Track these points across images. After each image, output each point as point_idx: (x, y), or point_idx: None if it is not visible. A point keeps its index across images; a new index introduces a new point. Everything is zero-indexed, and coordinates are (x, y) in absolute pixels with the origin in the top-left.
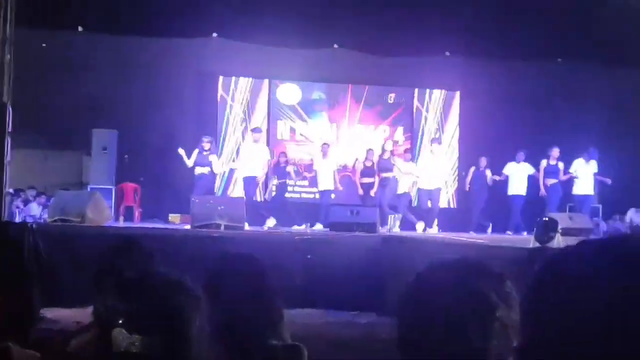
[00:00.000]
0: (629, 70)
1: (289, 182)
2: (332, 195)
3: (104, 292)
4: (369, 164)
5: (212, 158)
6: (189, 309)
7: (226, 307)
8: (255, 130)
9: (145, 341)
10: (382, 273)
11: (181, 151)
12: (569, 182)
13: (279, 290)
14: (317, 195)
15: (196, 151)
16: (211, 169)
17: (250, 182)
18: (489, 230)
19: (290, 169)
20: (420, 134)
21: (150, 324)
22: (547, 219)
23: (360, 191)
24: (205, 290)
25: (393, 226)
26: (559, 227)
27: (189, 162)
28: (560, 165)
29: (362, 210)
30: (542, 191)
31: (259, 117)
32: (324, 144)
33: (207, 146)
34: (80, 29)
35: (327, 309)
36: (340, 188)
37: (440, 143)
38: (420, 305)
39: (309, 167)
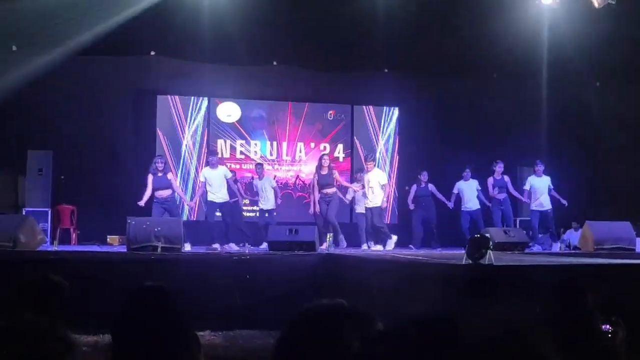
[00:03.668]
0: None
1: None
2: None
3: None
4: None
5: (171, 176)
6: (58, 353)
7: (136, 344)
8: (211, 154)
9: None
10: (321, 291)
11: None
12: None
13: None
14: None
15: (151, 177)
16: (173, 189)
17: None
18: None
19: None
20: (359, 150)
21: None
22: (478, 235)
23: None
24: (114, 327)
25: (331, 244)
26: (492, 243)
27: (147, 193)
28: (506, 178)
29: (301, 229)
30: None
31: (198, 136)
32: (257, 164)
33: (161, 166)
34: (14, 47)
35: (268, 329)
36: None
37: (374, 160)
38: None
39: (250, 185)
